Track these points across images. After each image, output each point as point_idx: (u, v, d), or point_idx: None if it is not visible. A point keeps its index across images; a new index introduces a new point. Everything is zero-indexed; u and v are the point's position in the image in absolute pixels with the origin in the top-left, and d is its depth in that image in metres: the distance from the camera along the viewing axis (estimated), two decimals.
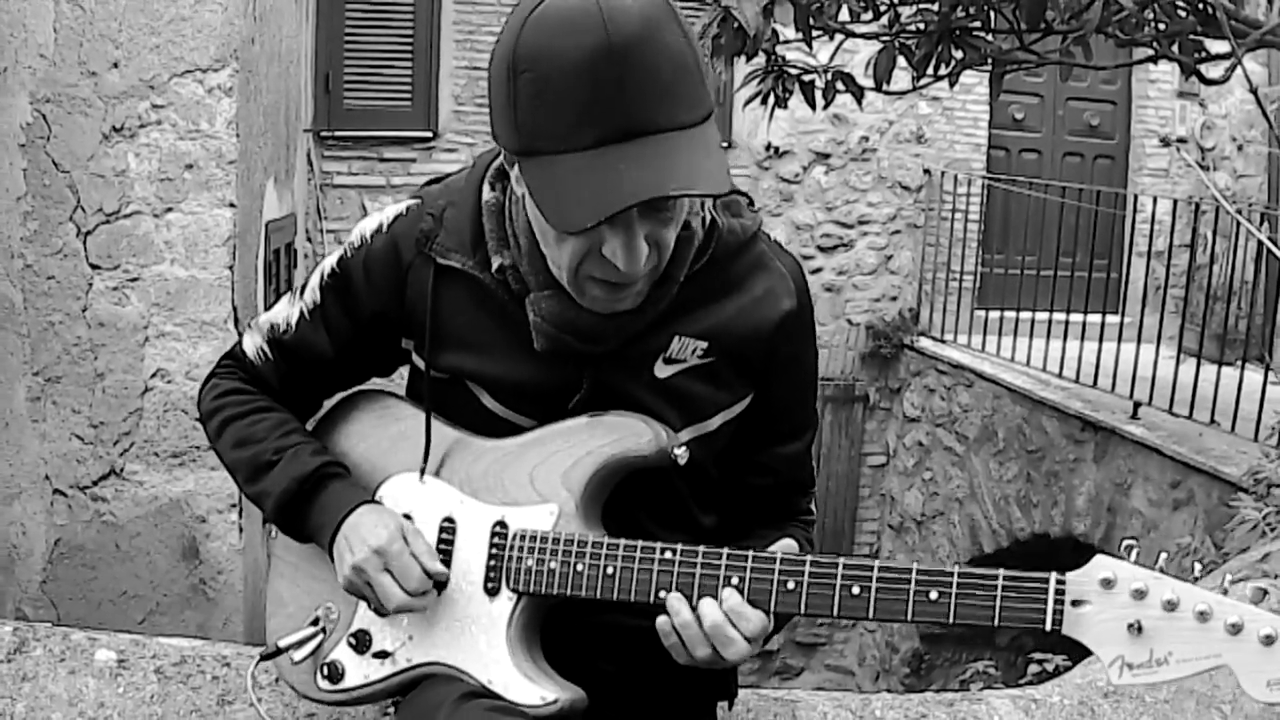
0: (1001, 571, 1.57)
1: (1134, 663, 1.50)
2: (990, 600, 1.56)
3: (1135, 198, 9.40)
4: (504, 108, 1.57)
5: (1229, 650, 1.47)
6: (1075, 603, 1.53)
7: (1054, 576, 1.55)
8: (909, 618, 1.60)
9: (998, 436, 8.88)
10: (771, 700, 2.41)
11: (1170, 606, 1.49)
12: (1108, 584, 1.52)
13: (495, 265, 1.77)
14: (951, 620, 1.58)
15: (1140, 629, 1.50)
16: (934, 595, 1.58)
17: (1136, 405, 7.61)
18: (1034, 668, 5.55)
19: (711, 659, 1.65)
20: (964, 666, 7.01)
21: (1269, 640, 1.45)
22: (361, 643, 1.81)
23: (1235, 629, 1.46)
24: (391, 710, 2.02)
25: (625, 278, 1.62)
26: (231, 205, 5.22)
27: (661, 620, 1.67)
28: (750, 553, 1.66)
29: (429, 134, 9.31)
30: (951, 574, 1.58)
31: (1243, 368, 7.09)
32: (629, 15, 1.49)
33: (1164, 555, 1.54)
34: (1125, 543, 1.55)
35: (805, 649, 10.62)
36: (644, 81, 1.50)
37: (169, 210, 5.17)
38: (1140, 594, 1.51)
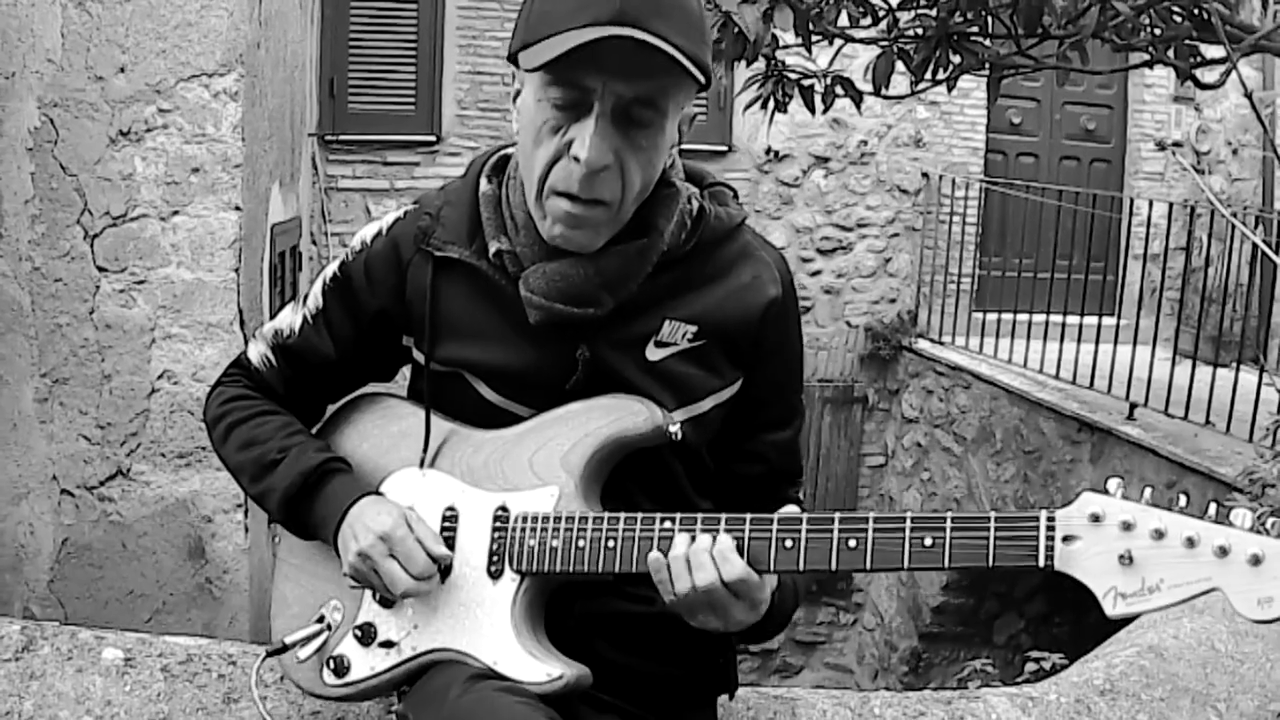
0: (993, 512, 1.59)
1: (1127, 592, 1.52)
2: (984, 541, 1.58)
3: (1131, 201, 9.41)
4: (521, 18, 1.69)
5: (1218, 573, 1.48)
6: (1066, 539, 1.54)
7: (1044, 514, 1.56)
8: (905, 565, 1.61)
9: (995, 437, 8.88)
10: (771, 698, 2.41)
11: (1158, 535, 1.51)
12: (1096, 519, 1.54)
13: (493, 250, 1.80)
14: (947, 564, 1.60)
15: (1131, 559, 1.51)
16: (929, 541, 1.60)
17: (1132, 406, 7.61)
18: (1031, 666, 5.55)
19: (690, 596, 1.66)
20: (962, 665, 7.01)
21: (1256, 560, 1.46)
22: (367, 635, 1.82)
23: (1223, 552, 1.48)
24: (396, 708, 2.02)
25: (587, 187, 1.67)
26: (237, 209, 5.22)
27: (654, 555, 1.68)
28: (748, 515, 1.68)
29: (432, 138, 9.32)
30: (944, 519, 1.60)
31: (1237, 369, 7.09)
32: None
33: (1149, 490, 1.55)
34: (1112, 480, 1.56)
35: (805, 647, 10.62)
36: None
37: (175, 213, 5.17)
38: (1128, 526, 1.52)
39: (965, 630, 9.31)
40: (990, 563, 1.57)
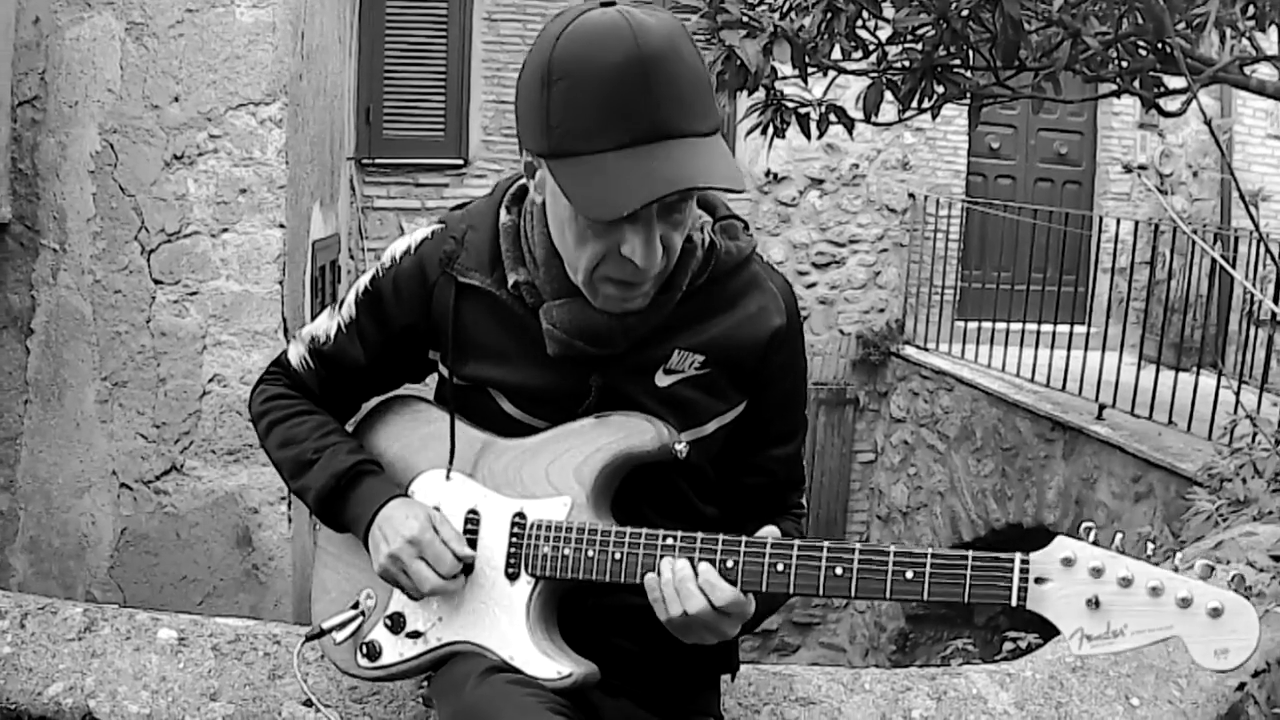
0: (971, 553, 1.57)
1: (1092, 634, 1.49)
2: (960, 579, 1.55)
3: (1100, 219, 9.39)
4: (535, 113, 1.57)
5: (1180, 622, 1.45)
6: (1038, 580, 1.52)
7: (1019, 557, 1.54)
8: (887, 596, 1.59)
9: (975, 436, 8.86)
10: (770, 674, 2.40)
11: (1125, 583, 1.48)
12: (1068, 563, 1.51)
13: (511, 281, 1.77)
14: (926, 597, 1.57)
15: (1098, 603, 1.49)
16: (909, 575, 1.58)
17: (1101, 407, 7.60)
18: (1009, 645, 5.52)
19: (683, 620, 1.65)
20: (945, 644, 6.97)
21: (1216, 613, 1.44)
22: (397, 624, 1.82)
23: (1185, 603, 1.45)
24: (426, 685, 2.02)
25: (639, 275, 1.62)
26: (281, 226, 5.22)
27: (650, 577, 1.67)
28: (743, 538, 1.66)
29: (460, 161, 9.32)
30: (925, 555, 1.58)
31: (1197, 373, 7.08)
32: (655, 31, 1.52)
33: (1120, 536, 1.53)
34: (1084, 525, 1.54)
35: (801, 628, 10.62)
36: (668, 89, 1.51)
37: (225, 231, 5.18)
38: (1097, 571, 1.49)
39: (948, 612, 9.29)
40: (966, 598, 1.55)
